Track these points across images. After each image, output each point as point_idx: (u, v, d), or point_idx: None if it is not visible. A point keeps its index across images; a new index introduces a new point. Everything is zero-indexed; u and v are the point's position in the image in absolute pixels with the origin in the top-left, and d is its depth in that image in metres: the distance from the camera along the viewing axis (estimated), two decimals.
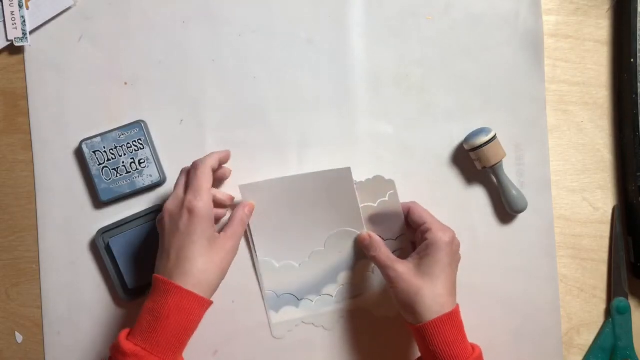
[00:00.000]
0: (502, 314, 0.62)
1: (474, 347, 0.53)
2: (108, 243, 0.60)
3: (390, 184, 0.60)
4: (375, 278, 0.61)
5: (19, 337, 0.63)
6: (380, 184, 0.60)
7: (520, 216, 0.62)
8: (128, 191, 0.61)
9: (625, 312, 0.61)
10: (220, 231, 0.55)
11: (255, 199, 0.59)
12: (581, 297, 0.63)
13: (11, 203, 0.63)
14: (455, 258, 0.55)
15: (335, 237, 0.61)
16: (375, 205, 0.60)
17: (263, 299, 0.61)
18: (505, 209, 0.61)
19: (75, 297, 0.62)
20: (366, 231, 0.60)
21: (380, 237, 0.59)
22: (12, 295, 0.63)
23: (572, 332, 0.62)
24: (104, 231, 0.61)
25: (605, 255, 0.63)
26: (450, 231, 0.55)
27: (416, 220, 0.57)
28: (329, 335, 0.62)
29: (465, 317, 0.61)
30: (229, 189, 0.61)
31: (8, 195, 0.63)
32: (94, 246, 0.62)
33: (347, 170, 0.59)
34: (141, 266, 0.60)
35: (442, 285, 0.53)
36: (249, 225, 0.60)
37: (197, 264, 0.51)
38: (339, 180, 0.59)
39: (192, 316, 0.51)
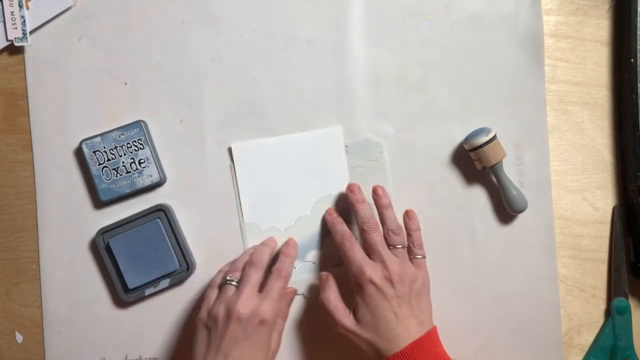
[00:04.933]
0: (502, 314, 0.62)
1: None
2: (108, 243, 0.60)
3: (379, 145, 0.61)
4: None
5: (19, 337, 0.63)
6: (370, 145, 0.61)
7: (520, 216, 0.62)
8: (128, 191, 0.61)
9: (625, 312, 0.61)
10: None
11: (247, 160, 0.61)
12: (581, 297, 0.63)
13: (11, 203, 0.63)
14: (387, 292, 0.54)
15: (323, 202, 0.61)
16: (364, 167, 0.61)
17: None
18: (505, 209, 0.61)
19: (75, 297, 0.62)
20: (325, 273, 0.59)
21: (367, 201, 0.60)
22: (12, 295, 0.63)
23: (572, 332, 0.62)
24: (104, 231, 0.61)
25: (605, 255, 0.63)
26: (369, 267, 0.54)
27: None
28: (307, 303, 0.62)
29: (466, 317, 0.61)
30: (223, 161, 0.61)
31: (8, 195, 0.63)
32: (94, 246, 0.62)
33: (337, 131, 0.61)
34: (141, 266, 0.60)
35: (383, 329, 0.53)
36: (237, 187, 0.61)
37: None
38: (329, 141, 0.61)
39: None
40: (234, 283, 0.56)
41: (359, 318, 0.54)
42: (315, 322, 0.61)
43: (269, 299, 0.54)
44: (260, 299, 0.54)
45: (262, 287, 0.56)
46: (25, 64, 0.63)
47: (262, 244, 0.60)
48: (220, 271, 0.59)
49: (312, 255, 0.62)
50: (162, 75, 0.62)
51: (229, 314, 0.53)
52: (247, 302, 0.53)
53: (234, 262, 0.59)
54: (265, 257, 0.57)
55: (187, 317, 0.62)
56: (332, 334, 0.56)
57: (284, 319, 0.59)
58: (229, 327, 0.52)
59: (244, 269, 0.57)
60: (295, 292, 0.61)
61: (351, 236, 0.57)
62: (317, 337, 0.61)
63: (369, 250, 0.56)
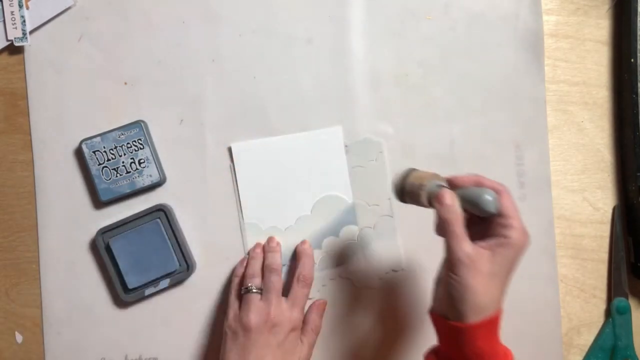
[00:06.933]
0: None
1: (506, 353, 0.46)
2: (108, 243, 0.60)
3: (379, 145, 0.61)
4: (359, 247, 0.62)
5: (19, 337, 0.63)
6: (370, 145, 0.62)
7: (521, 216, 0.62)
8: (128, 191, 0.61)
9: (625, 312, 0.61)
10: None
11: (247, 160, 0.61)
12: (581, 297, 0.63)
13: (11, 203, 0.63)
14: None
15: (323, 202, 0.61)
16: (365, 167, 0.61)
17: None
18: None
19: (75, 297, 0.62)
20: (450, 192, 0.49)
21: (365, 202, 0.60)
22: (12, 295, 0.63)
23: (572, 332, 0.62)
24: (104, 231, 0.61)
25: (605, 255, 0.63)
26: (528, 236, 0.47)
27: (500, 210, 0.47)
28: (308, 304, 0.61)
29: None
30: (223, 161, 0.61)
31: (8, 195, 0.63)
32: (94, 246, 0.62)
33: (337, 131, 0.61)
34: (141, 266, 0.60)
35: (499, 289, 0.46)
36: (237, 187, 0.61)
37: None
38: (329, 141, 0.61)
39: None
40: (255, 290, 0.57)
41: (492, 267, 0.46)
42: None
43: (298, 306, 0.56)
44: (289, 306, 0.56)
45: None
46: (25, 64, 0.63)
47: (270, 249, 0.60)
48: (235, 275, 0.59)
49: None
50: (162, 75, 0.62)
51: (263, 321, 0.54)
52: (278, 310, 0.55)
53: (247, 266, 0.59)
54: (280, 261, 0.59)
55: (187, 317, 0.62)
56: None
57: (317, 332, 0.59)
58: (262, 334, 0.53)
59: (263, 275, 0.58)
60: (326, 304, 0.61)
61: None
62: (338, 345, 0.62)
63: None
